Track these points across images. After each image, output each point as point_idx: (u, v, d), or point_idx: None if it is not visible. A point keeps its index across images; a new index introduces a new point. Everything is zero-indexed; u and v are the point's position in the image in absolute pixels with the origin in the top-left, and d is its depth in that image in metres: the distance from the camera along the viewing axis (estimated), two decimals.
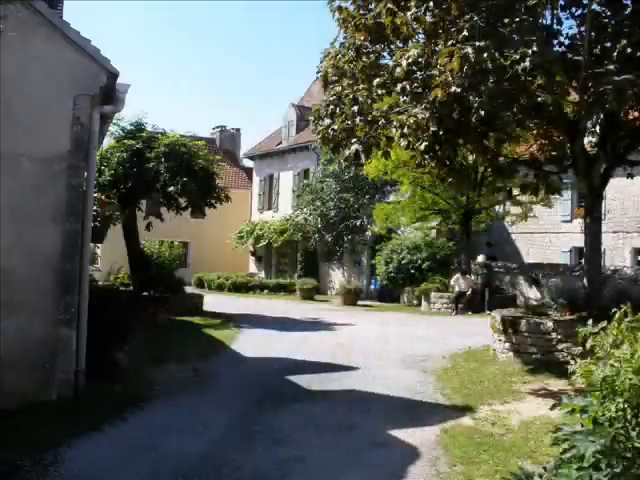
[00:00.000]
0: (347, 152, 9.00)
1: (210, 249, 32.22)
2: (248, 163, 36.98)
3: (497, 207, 21.43)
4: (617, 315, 3.12)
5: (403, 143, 8.01)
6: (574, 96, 8.41)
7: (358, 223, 25.29)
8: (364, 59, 8.69)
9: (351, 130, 8.84)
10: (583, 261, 12.70)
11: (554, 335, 8.86)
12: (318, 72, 9.62)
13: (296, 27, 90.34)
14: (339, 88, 9.00)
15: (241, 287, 27.60)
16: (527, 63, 6.57)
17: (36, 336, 6.56)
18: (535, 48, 6.54)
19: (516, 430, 6.10)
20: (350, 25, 8.64)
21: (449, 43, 7.56)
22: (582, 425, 2.87)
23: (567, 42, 8.50)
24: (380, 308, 20.96)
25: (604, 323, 3.18)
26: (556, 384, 7.93)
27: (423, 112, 7.60)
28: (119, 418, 6.30)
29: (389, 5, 8.12)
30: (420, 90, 7.99)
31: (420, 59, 7.94)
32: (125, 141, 15.09)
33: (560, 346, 8.78)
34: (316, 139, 9.54)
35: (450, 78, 7.01)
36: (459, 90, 7.06)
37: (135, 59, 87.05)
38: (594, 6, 8.09)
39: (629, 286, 13.65)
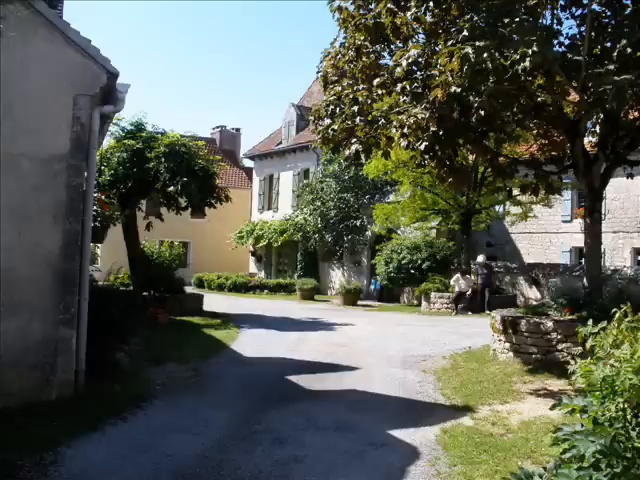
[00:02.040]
0: (347, 152, 9.01)
1: (210, 249, 32.28)
2: (248, 163, 37.02)
3: (497, 207, 21.43)
4: (617, 315, 3.13)
5: (403, 143, 8.00)
6: (574, 96, 8.41)
7: (358, 223, 25.29)
8: (364, 59, 8.68)
9: (351, 130, 8.84)
10: (583, 261, 12.69)
11: (554, 335, 8.86)
12: (318, 72, 9.64)
13: (296, 27, 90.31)
14: (339, 88, 9.00)
15: (241, 287, 27.65)
16: (527, 63, 6.56)
17: (36, 336, 6.55)
18: (535, 48, 6.53)
19: (516, 430, 6.10)
20: (350, 25, 8.64)
21: (449, 43, 7.55)
22: (582, 425, 2.87)
23: (567, 42, 8.50)
24: (380, 308, 20.99)
25: (604, 323, 3.19)
26: (556, 384, 7.93)
27: (423, 112, 7.60)
28: (119, 418, 6.30)
29: (389, 5, 8.13)
30: (420, 90, 7.99)
31: (420, 59, 7.94)
32: (125, 141, 15.07)
33: (560, 346, 8.78)
34: (316, 139, 9.54)
35: (450, 78, 7.00)
36: (459, 90, 7.05)
37: (136, 59, 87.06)
38: (594, 6, 8.07)
39: (629, 286, 13.65)
